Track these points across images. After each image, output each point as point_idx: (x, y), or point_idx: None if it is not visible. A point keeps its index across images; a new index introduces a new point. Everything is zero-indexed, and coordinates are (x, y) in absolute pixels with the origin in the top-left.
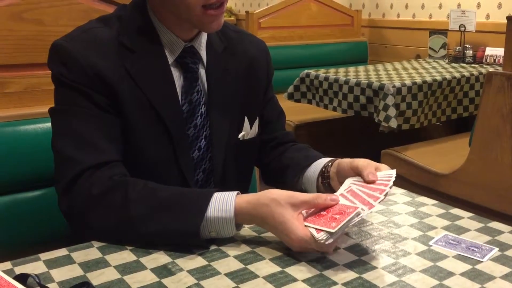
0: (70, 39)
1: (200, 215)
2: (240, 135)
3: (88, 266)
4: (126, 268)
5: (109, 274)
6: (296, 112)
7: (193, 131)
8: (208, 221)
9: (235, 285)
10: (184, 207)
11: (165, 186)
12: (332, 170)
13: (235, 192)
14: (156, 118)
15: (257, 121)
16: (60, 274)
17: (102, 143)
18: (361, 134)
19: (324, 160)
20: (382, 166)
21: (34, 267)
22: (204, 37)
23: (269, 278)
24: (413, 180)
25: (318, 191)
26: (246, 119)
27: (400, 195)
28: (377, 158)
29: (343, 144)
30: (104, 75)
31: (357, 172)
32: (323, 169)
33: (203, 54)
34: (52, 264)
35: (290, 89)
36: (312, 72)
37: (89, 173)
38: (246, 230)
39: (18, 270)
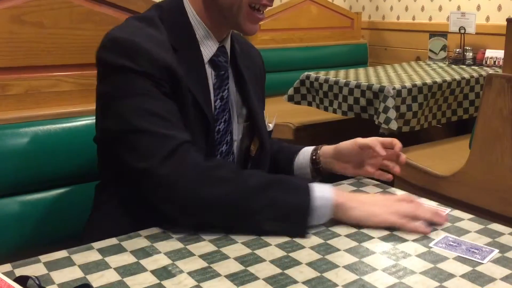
0: (131, 33)
1: (307, 194)
2: (271, 126)
3: (88, 268)
4: (126, 270)
5: (109, 276)
6: (296, 114)
7: (223, 126)
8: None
9: (235, 287)
10: (293, 183)
11: None
12: (323, 156)
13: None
14: (199, 114)
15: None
16: (60, 276)
17: (182, 125)
18: (361, 136)
19: (309, 149)
20: (386, 140)
21: (34, 269)
22: (229, 38)
23: (270, 280)
24: (413, 182)
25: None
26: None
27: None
28: None
29: None
30: (171, 68)
31: (366, 149)
32: (313, 157)
33: (228, 52)
34: (52, 266)
35: (290, 91)
36: (312, 74)
37: (187, 146)
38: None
39: (18, 272)
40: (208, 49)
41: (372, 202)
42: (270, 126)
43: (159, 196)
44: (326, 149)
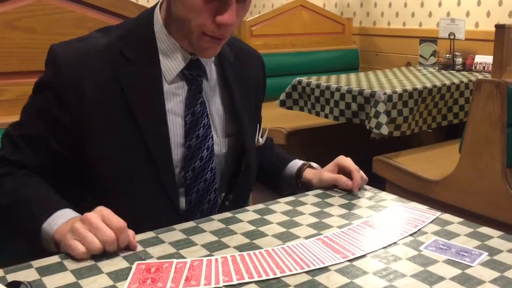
0: (64, 44)
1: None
2: (261, 140)
3: (81, 273)
4: (118, 275)
5: (102, 281)
6: (288, 119)
7: (195, 142)
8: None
9: None
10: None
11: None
12: (307, 175)
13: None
14: (140, 137)
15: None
16: (53, 281)
17: (27, 147)
18: (352, 141)
19: (297, 163)
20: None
21: (26, 274)
22: None
23: (262, 284)
24: (404, 187)
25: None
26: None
27: (391, 200)
28: (368, 165)
29: (334, 151)
30: (82, 87)
31: (345, 170)
32: (297, 173)
33: (208, 67)
34: (44, 271)
35: (282, 96)
36: (304, 79)
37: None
38: (238, 237)
39: (11, 277)
40: (176, 62)
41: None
42: (260, 141)
43: None
44: (308, 174)
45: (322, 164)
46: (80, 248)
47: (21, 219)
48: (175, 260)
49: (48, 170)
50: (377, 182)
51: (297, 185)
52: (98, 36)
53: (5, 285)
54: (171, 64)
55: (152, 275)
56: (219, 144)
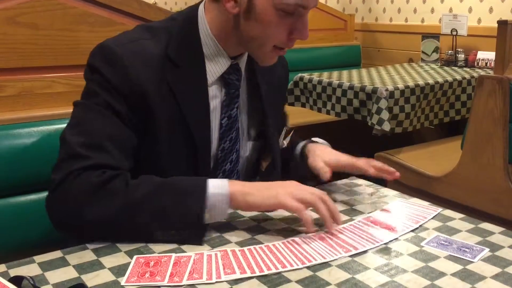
0: (120, 44)
1: (200, 195)
2: (285, 142)
3: (83, 268)
4: (121, 270)
5: (104, 276)
6: (290, 116)
7: (228, 145)
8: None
9: (229, 286)
10: (185, 189)
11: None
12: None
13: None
14: (187, 136)
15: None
16: (55, 276)
17: (114, 149)
18: (354, 137)
19: (300, 143)
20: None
21: (29, 269)
22: (246, 54)
23: (263, 279)
24: (405, 183)
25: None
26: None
27: (393, 196)
28: None
29: (336, 147)
30: (145, 91)
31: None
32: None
33: (243, 69)
34: (46, 266)
35: None
36: (306, 75)
37: (93, 169)
38: (240, 232)
39: (13, 272)
40: (218, 66)
41: (267, 185)
42: (284, 143)
43: (52, 214)
44: (313, 150)
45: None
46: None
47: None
48: (174, 254)
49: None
50: (379, 179)
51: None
52: (147, 37)
53: (8, 280)
54: (214, 67)
55: (151, 268)
56: (244, 147)
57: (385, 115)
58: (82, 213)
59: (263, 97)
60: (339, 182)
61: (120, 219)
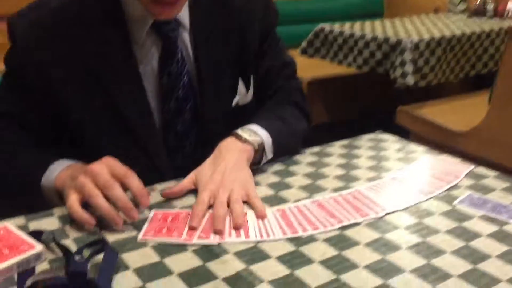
0: (21, 17)
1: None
2: (234, 101)
3: (103, 222)
4: (141, 223)
5: (123, 229)
6: (309, 68)
7: (174, 105)
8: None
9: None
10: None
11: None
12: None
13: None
14: (110, 106)
15: (252, 84)
16: (75, 230)
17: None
18: (375, 91)
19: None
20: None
21: (48, 222)
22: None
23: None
24: (430, 138)
25: None
26: (240, 81)
27: (421, 152)
28: (392, 116)
29: (356, 101)
30: (49, 75)
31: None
32: None
33: (186, 15)
34: (66, 220)
35: (304, 44)
36: (327, 26)
37: None
38: (262, 188)
39: (32, 225)
40: (142, 21)
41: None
42: (246, 99)
43: None
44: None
45: (344, 115)
46: (72, 197)
47: (15, 181)
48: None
49: (31, 143)
50: (401, 134)
51: None
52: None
53: (28, 234)
54: (138, 24)
55: (169, 224)
56: (207, 101)
57: (409, 68)
58: None
59: (202, 45)
60: (365, 136)
61: None
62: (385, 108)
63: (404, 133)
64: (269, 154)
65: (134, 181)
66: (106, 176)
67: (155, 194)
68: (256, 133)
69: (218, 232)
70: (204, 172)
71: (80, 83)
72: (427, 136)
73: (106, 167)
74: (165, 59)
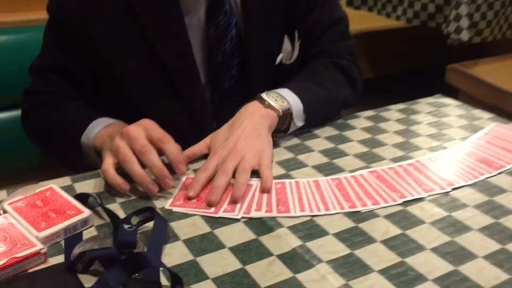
0: None
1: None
2: (278, 58)
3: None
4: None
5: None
6: (355, 21)
7: (221, 59)
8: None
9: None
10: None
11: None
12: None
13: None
14: (153, 59)
15: (298, 42)
16: (121, 194)
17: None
18: (425, 46)
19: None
20: None
21: (95, 184)
22: None
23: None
24: (479, 98)
25: None
26: (286, 37)
27: (487, 120)
28: (441, 73)
29: (403, 57)
30: (89, 24)
31: None
32: None
33: None
34: None
35: None
36: None
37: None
38: (316, 155)
39: (78, 187)
40: None
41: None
42: (290, 58)
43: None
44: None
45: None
46: (108, 160)
47: (58, 140)
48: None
49: (80, 96)
50: (450, 92)
51: None
52: None
53: (73, 197)
54: None
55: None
56: (255, 56)
57: (464, 22)
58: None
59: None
60: (424, 100)
61: (41, 141)
62: (434, 65)
63: (453, 92)
64: (298, 122)
65: (171, 146)
66: (143, 140)
67: None
68: (283, 98)
69: (210, 203)
70: (219, 137)
71: (125, 36)
72: (477, 95)
73: (143, 130)
74: (212, 10)
